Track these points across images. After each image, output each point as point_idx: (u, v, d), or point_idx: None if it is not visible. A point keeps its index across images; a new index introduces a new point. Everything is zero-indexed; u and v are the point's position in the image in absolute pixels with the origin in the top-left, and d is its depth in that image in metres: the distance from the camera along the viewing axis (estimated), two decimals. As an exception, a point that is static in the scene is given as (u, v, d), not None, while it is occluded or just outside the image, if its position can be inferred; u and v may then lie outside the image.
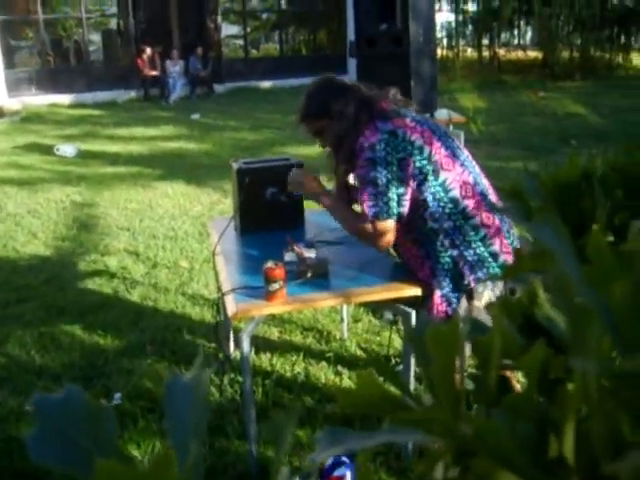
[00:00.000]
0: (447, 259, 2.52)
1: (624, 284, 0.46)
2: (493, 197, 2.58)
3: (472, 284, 2.52)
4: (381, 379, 0.55)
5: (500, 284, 2.56)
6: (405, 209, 2.48)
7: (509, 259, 2.52)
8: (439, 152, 2.47)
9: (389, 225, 2.50)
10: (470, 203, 2.49)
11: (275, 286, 2.50)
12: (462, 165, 2.52)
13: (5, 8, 16.31)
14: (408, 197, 2.46)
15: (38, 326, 4.15)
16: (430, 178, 2.45)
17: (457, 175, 2.49)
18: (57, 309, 4.40)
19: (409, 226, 2.55)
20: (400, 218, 2.50)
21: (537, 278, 0.66)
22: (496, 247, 2.50)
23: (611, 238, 0.75)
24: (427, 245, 2.55)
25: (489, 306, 0.69)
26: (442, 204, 2.47)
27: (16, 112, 14.39)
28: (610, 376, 0.46)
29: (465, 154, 2.61)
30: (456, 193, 2.47)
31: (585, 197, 0.77)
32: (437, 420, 0.52)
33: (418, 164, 2.44)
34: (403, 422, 0.52)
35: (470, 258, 2.50)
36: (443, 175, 2.46)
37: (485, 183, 2.61)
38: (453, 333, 0.53)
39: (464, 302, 2.54)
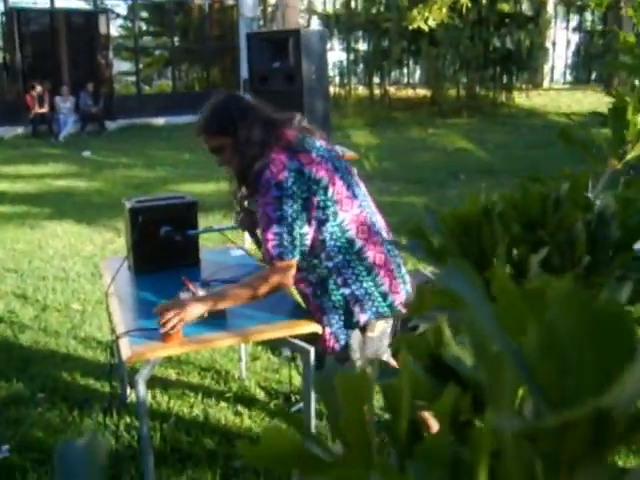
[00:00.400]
0: (339, 297, 2.53)
1: (535, 327, 0.46)
2: (385, 234, 2.62)
3: (361, 322, 2.54)
4: (285, 427, 0.53)
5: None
6: (306, 248, 2.47)
7: (397, 299, 2.56)
8: (340, 192, 2.48)
9: (292, 264, 2.46)
10: (364, 243, 2.51)
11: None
12: (360, 205, 2.54)
13: None
14: (310, 236, 2.46)
15: None
16: (330, 218, 2.46)
17: (354, 215, 2.50)
18: (-64, 358, 4.15)
19: (303, 265, 2.54)
20: (302, 257, 2.48)
21: (441, 316, 0.66)
22: (386, 287, 2.53)
23: (510, 272, 0.76)
24: (320, 284, 2.55)
25: (392, 344, 0.69)
26: (338, 243, 2.49)
27: None
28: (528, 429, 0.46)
29: (362, 190, 2.63)
30: (352, 234, 2.49)
31: (485, 233, 0.78)
32: (351, 473, 0.51)
33: (322, 204, 2.44)
34: (315, 476, 0.50)
35: (361, 297, 2.51)
36: (341, 215, 2.47)
37: (379, 220, 2.64)
38: (362, 380, 0.52)
39: (357, 334, 2.56)
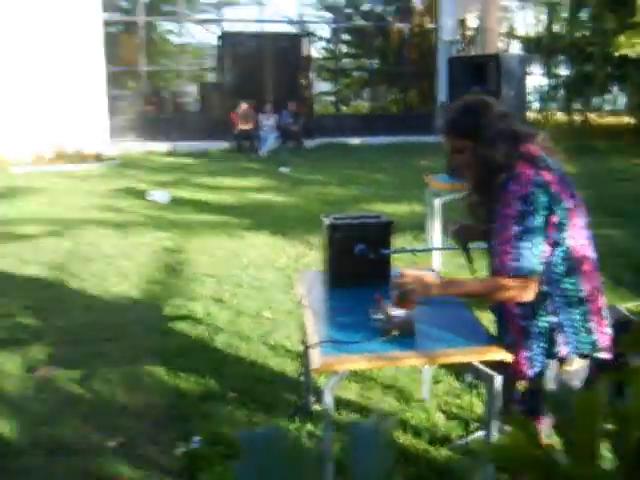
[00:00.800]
0: (545, 323, 2.47)
1: None
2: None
3: (561, 353, 2.47)
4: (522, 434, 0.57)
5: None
6: (541, 267, 2.40)
7: (600, 338, 2.47)
8: (573, 218, 2.41)
9: (530, 280, 2.40)
10: (582, 275, 2.44)
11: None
12: (586, 237, 2.47)
13: (113, 60, 17.18)
14: (544, 255, 2.39)
15: (123, 365, 4.28)
16: (560, 242, 2.40)
17: (580, 245, 2.43)
18: (142, 350, 4.52)
19: None
20: (539, 275, 2.41)
21: None
22: (593, 324, 2.45)
23: None
24: (531, 306, 2.47)
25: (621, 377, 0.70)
26: (559, 270, 2.42)
27: (114, 157, 15.03)
28: None
29: (587, 220, 2.53)
30: (574, 263, 2.42)
31: None
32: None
33: (558, 226, 2.39)
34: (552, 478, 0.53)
35: (567, 328, 2.44)
36: (569, 242, 2.41)
37: (594, 254, 2.53)
38: (598, 400, 0.55)
39: (555, 365, 2.49)
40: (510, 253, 2.37)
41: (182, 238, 7.76)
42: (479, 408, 3.66)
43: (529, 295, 2.41)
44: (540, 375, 2.50)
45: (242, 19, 19.27)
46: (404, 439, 3.44)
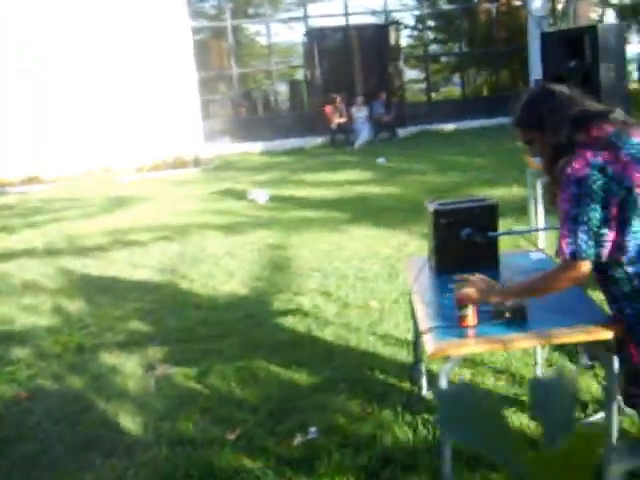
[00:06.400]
0: (638, 307, 2.40)
1: None
2: None
3: None
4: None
5: None
6: (605, 250, 2.38)
7: None
8: None
9: (584, 265, 2.40)
10: None
11: (467, 311, 2.54)
12: None
13: (203, 66, 17.60)
14: (610, 239, 2.37)
15: (236, 360, 4.38)
16: (634, 222, 2.35)
17: None
18: (254, 345, 4.62)
19: (605, 267, 2.46)
20: (598, 259, 2.40)
21: None
22: None
23: None
24: (620, 290, 2.45)
25: None
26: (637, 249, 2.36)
27: (211, 160, 15.39)
28: None
29: None
30: None
31: None
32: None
33: (623, 206, 2.35)
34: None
35: None
36: None
37: None
38: (598, 436, 0.54)
39: None
40: (567, 236, 2.38)
41: (284, 234, 7.89)
42: (596, 390, 3.57)
43: (582, 278, 2.44)
44: None
45: (327, 14, 19.31)
46: (520, 423, 3.39)
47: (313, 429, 3.47)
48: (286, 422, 3.58)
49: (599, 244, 2.37)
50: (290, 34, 20.87)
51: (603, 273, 2.48)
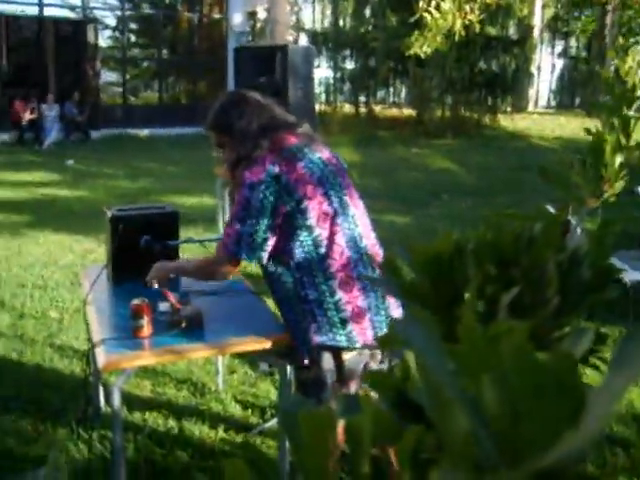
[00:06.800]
0: (299, 311, 2.51)
1: (490, 377, 0.47)
2: (375, 256, 2.59)
3: (314, 342, 2.49)
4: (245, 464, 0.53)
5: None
6: (265, 254, 2.48)
7: (358, 329, 2.48)
8: (317, 207, 2.45)
9: (238, 262, 2.55)
10: (334, 265, 2.46)
11: (141, 322, 2.47)
12: (340, 225, 2.49)
13: None
14: (271, 244, 2.47)
15: None
16: (301, 231, 2.44)
17: (330, 234, 2.47)
18: None
19: (273, 272, 2.55)
20: (259, 261, 2.51)
21: (407, 354, 0.66)
22: (347, 314, 2.46)
23: (481, 310, 0.77)
24: (285, 294, 2.54)
25: (366, 382, 0.69)
26: (308, 257, 2.46)
27: None
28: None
29: (353, 211, 2.58)
30: (324, 251, 2.46)
31: (457, 270, 0.79)
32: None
33: (291, 214, 2.43)
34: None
35: (319, 317, 2.47)
36: (317, 230, 2.45)
37: (366, 244, 2.58)
38: (326, 417, 0.53)
39: (327, 356, 2.53)
40: (230, 236, 2.48)
41: (-45, 238, 7.15)
42: (275, 395, 3.69)
43: (232, 272, 2.63)
44: (315, 366, 2.54)
45: (18, 0, 18.04)
46: (200, 432, 3.39)
47: (-25, 455, 3.15)
48: (-56, 448, 3.21)
49: (261, 248, 2.46)
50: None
51: (272, 276, 2.56)
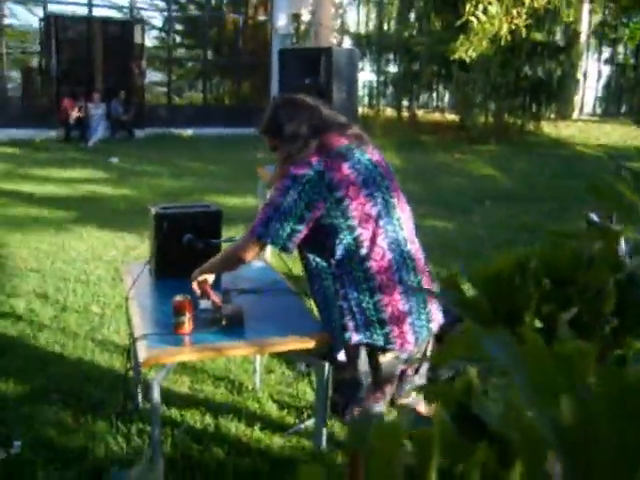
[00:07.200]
0: (337, 308, 2.52)
1: (568, 397, 0.47)
2: (417, 264, 2.60)
3: (353, 340, 2.51)
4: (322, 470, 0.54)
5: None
6: (292, 245, 2.51)
7: (396, 331, 2.50)
8: (360, 208, 2.47)
9: (263, 247, 2.59)
10: (375, 266, 2.48)
11: (183, 319, 2.50)
12: (382, 227, 2.51)
13: None
14: (300, 236, 2.49)
15: None
16: (342, 231, 2.46)
17: (372, 235, 2.48)
18: (-46, 351, 4.20)
19: (314, 267, 2.56)
20: (285, 251, 2.55)
21: (471, 367, 0.67)
22: (387, 315, 2.48)
23: (539, 328, 0.77)
24: (324, 291, 2.56)
25: (424, 394, 0.70)
26: (350, 257, 2.48)
27: None
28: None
29: (399, 215, 2.60)
30: (365, 252, 2.47)
31: (516, 288, 0.79)
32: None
33: (331, 214, 2.46)
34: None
35: (358, 316, 2.49)
36: (358, 231, 2.46)
37: (410, 248, 2.60)
38: (397, 429, 0.53)
39: (363, 355, 2.54)
40: (261, 218, 2.52)
41: (3, 231, 7.30)
42: (311, 396, 3.70)
43: (253, 255, 2.63)
44: (350, 364, 2.55)
45: (68, 1, 18.36)
46: (237, 430, 3.42)
47: (17, 443, 3.21)
48: (-13, 437, 3.28)
49: (288, 238, 2.49)
50: (29, 17, 19.52)
51: (312, 272, 2.58)
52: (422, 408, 2.57)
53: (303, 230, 2.48)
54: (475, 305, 0.79)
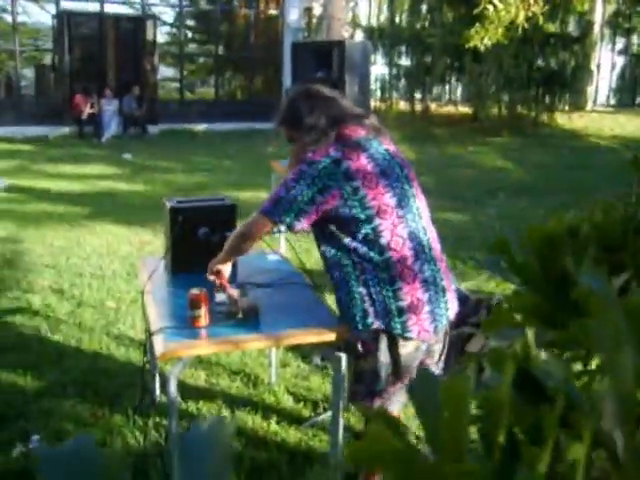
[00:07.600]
0: (357, 295, 2.51)
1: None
2: (434, 255, 2.59)
3: (374, 326, 2.50)
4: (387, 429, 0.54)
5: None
6: (300, 226, 2.50)
7: (413, 319, 2.49)
8: (378, 198, 2.46)
9: (271, 226, 2.57)
10: (395, 255, 2.48)
11: (199, 312, 2.50)
12: (402, 217, 2.51)
13: None
14: (309, 217, 2.48)
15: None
16: (360, 220, 2.46)
17: (391, 225, 2.48)
18: (-27, 346, 4.24)
19: (334, 252, 2.56)
20: (290, 229, 2.54)
21: (527, 332, 0.67)
22: (405, 304, 2.48)
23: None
24: (344, 277, 2.55)
25: (483, 356, 0.70)
26: (369, 245, 2.47)
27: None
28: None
29: (417, 204, 2.60)
30: (385, 241, 2.47)
31: (568, 253, 0.79)
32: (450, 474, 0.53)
33: (348, 203, 2.45)
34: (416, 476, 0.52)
35: (377, 303, 2.49)
36: (377, 221, 2.46)
37: (428, 239, 2.60)
38: (464, 388, 0.53)
39: (385, 341, 2.53)
40: (272, 198, 2.53)
41: (19, 227, 7.35)
42: (327, 389, 3.70)
43: (260, 235, 2.65)
44: (370, 353, 2.55)
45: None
46: (253, 423, 3.43)
47: (35, 437, 3.23)
48: (7, 430, 3.30)
49: (296, 217, 2.48)
50: (41, 14, 19.61)
51: (331, 260, 2.57)
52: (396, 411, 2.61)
53: (312, 212, 2.47)
54: (527, 268, 0.79)
